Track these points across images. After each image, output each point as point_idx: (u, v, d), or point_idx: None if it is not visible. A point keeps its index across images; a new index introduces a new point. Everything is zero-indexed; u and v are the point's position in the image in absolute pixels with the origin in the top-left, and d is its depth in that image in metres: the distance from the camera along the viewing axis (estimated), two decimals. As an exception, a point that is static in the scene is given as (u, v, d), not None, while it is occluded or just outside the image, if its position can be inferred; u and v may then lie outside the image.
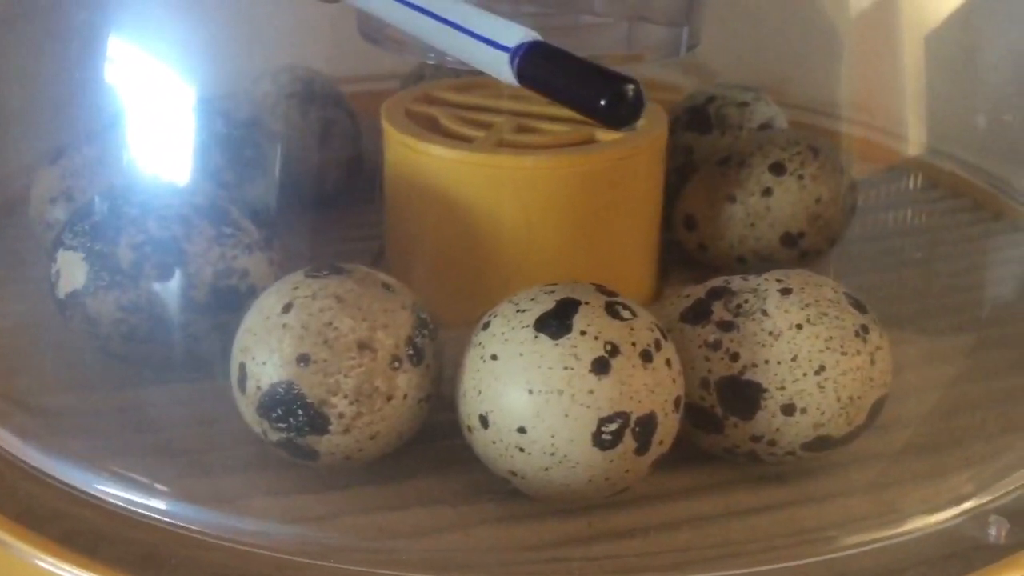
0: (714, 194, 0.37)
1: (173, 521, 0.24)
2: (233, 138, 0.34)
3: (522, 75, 0.23)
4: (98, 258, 0.29)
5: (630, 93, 0.21)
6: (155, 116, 0.33)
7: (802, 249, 0.36)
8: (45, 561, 0.23)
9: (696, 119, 0.41)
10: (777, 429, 0.26)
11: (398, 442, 0.26)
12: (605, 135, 0.34)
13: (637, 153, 0.34)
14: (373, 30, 0.35)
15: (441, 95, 0.38)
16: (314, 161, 0.41)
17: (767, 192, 0.36)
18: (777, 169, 0.36)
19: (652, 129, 0.35)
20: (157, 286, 0.29)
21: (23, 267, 0.35)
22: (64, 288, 0.29)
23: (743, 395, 0.26)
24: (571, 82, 0.22)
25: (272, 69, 0.42)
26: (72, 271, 0.29)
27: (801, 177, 0.36)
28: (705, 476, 0.27)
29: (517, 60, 0.23)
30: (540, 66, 0.23)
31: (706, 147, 0.40)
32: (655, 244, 0.36)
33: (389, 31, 0.34)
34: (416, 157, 0.34)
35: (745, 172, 0.36)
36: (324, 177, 0.41)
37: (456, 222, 0.33)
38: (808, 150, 0.36)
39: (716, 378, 0.26)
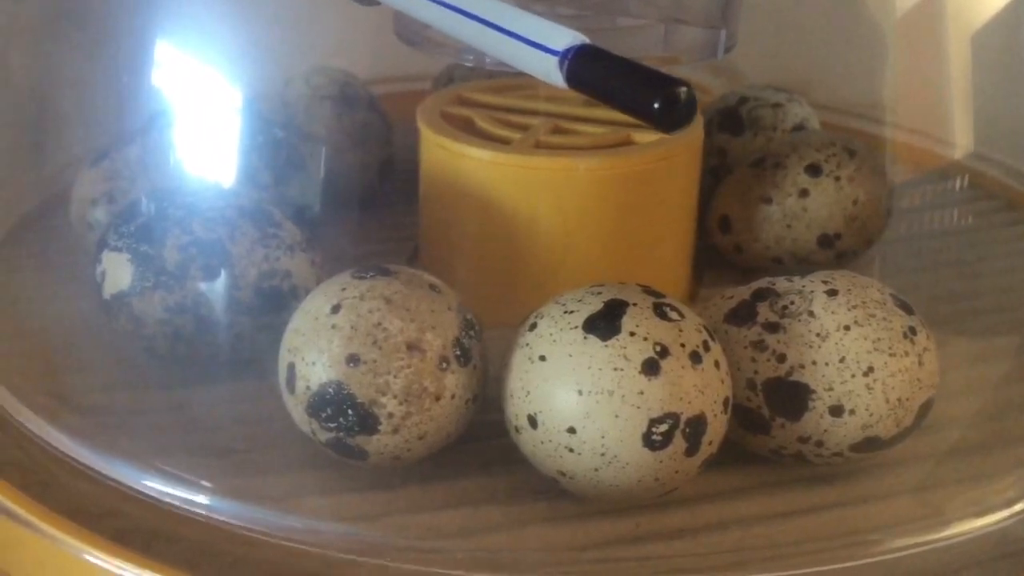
0: (749, 195, 0.37)
1: (225, 519, 0.24)
2: (271, 140, 0.35)
3: (572, 78, 0.23)
4: (144, 259, 0.29)
5: (683, 96, 0.21)
6: (196, 118, 0.33)
7: (839, 250, 0.36)
8: (98, 558, 0.23)
9: (729, 121, 0.41)
10: (825, 430, 0.26)
11: (445, 442, 0.26)
12: (642, 137, 0.34)
13: (675, 155, 0.34)
14: (410, 32, 0.35)
15: (475, 97, 0.38)
16: (347, 163, 0.41)
17: (804, 193, 0.36)
18: (813, 170, 0.36)
19: (689, 131, 0.35)
20: (203, 287, 0.29)
21: (65, 268, 0.35)
22: (109, 289, 0.29)
23: (790, 396, 0.26)
24: (623, 85, 0.22)
25: (304, 71, 0.42)
26: (118, 272, 0.29)
27: (838, 179, 0.36)
28: (751, 477, 0.27)
29: (567, 63, 0.23)
30: (590, 69, 0.23)
31: (739, 149, 0.40)
32: (690, 246, 0.36)
33: (427, 33, 0.34)
34: (453, 159, 0.34)
35: (781, 173, 0.36)
36: (357, 179, 0.41)
37: (493, 224, 0.33)
38: (844, 151, 0.36)
39: (763, 379, 0.26)
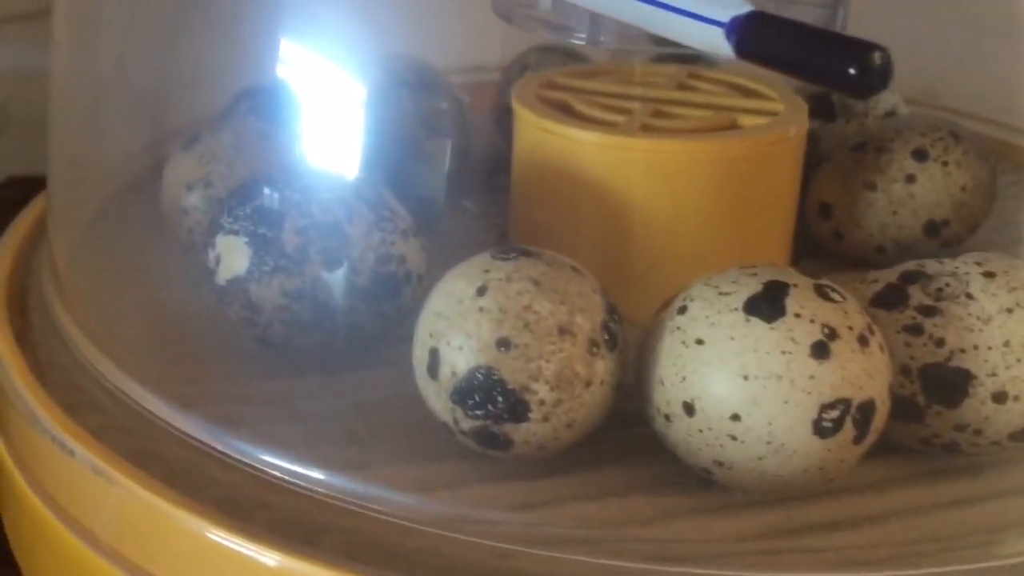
0: (851, 181, 0.36)
1: (381, 509, 0.23)
2: (369, 122, 0.33)
3: (742, 48, 0.22)
4: (262, 243, 0.28)
5: (879, 60, 0.20)
6: (298, 100, 0.32)
7: (945, 238, 0.35)
8: (252, 550, 0.22)
9: (820, 107, 0.40)
10: (986, 418, 0.25)
11: (590, 431, 0.25)
12: (749, 121, 0.34)
13: (784, 139, 0.33)
14: (510, 9, 0.34)
15: (566, 82, 0.37)
16: (418, 152, 0.40)
17: (910, 179, 0.35)
18: (920, 155, 0.35)
19: (795, 116, 0.34)
20: (323, 272, 0.28)
21: (154, 255, 0.34)
22: (225, 274, 0.28)
23: (950, 382, 0.25)
24: (806, 51, 0.21)
25: (379, 57, 0.41)
26: (234, 256, 0.28)
27: (946, 164, 0.35)
28: (898, 468, 0.26)
29: (735, 32, 0.22)
30: (764, 37, 0.22)
31: (832, 135, 0.39)
32: (791, 233, 0.35)
33: (531, 11, 0.33)
34: (557, 141, 0.33)
35: (885, 158, 0.35)
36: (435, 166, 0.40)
37: (599, 208, 0.32)
38: (950, 136, 0.35)
39: (919, 365, 0.25)
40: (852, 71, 0.20)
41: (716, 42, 0.23)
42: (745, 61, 0.22)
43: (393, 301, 0.29)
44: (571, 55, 0.45)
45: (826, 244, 0.37)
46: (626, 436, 0.27)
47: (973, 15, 0.44)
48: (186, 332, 0.30)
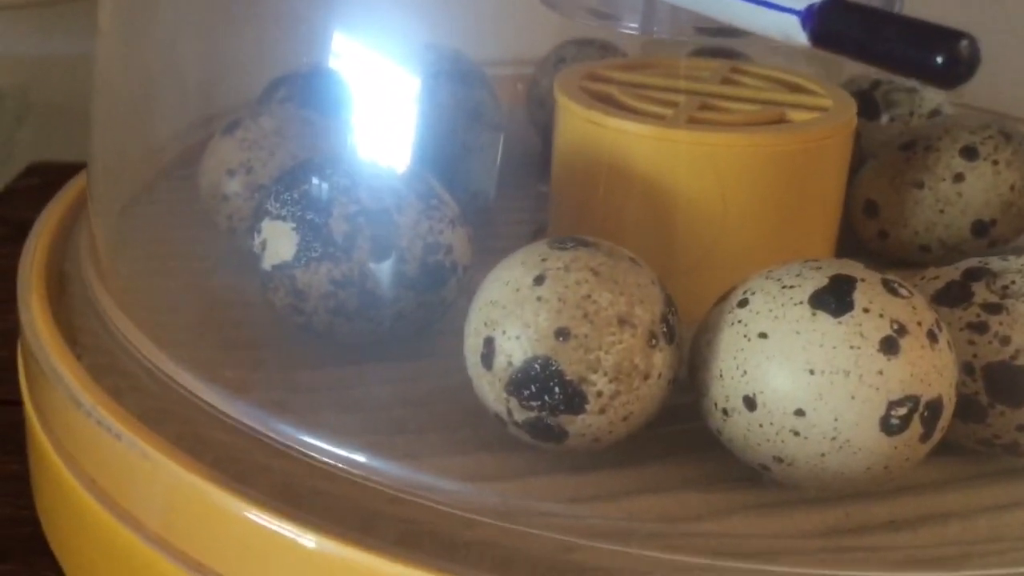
0: (899, 179, 0.35)
1: (436, 498, 0.22)
2: (418, 111, 0.33)
3: (818, 36, 0.22)
4: (310, 228, 0.27)
5: (966, 49, 0.20)
6: (343, 88, 0.31)
7: (992, 238, 0.35)
8: (309, 540, 0.22)
9: (864, 104, 0.39)
10: (1050, 418, 0.25)
11: (645, 424, 0.25)
12: (797, 115, 0.33)
13: (833, 134, 0.33)
14: (557, -3, 0.34)
15: (609, 74, 0.36)
16: (462, 143, 0.40)
17: (958, 178, 0.34)
18: (969, 153, 0.34)
19: (845, 111, 0.33)
20: (371, 260, 0.27)
21: (193, 242, 0.33)
22: (270, 259, 0.28)
23: (1014, 382, 0.25)
24: (888, 40, 0.20)
25: (418, 47, 0.41)
26: (280, 241, 0.27)
27: (995, 162, 0.34)
28: (957, 468, 0.26)
29: (811, 20, 0.22)
30: (842, 24, 0.21)
31: (876, 133, 0.39)
32: (836, 231, 0.35)
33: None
34: (604, 133, 0.32)
35: (933, 156, 0.35)
36: (475, 159, 0.40)
37: (649, 200, 0.32)
38: (1000, 134, 0.35)
39: (983, 363, 0.25)
40: (939, 60, 0.19)
41: (790, 30, 0.22)
42: (821, 49, 0.22)
43: (439, 292, 0.28)
44: (606, 48, 0.45)
45: (869, 243, 0.36)
46: (678, 431, 0.26)
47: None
48: (230, 318, 0.30)
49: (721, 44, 0.43)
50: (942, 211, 0.35)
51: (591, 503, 0.24)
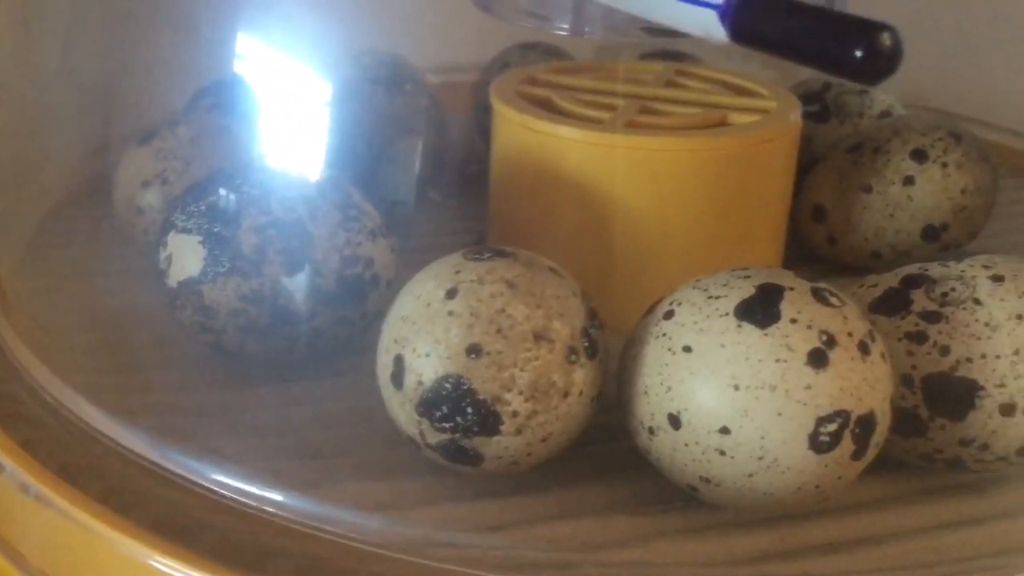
0: (846, 183, 0.34)
1: (339, 532, 0.21)
2: (336, 119, 0.32)
3: (737, 31, 0.20)
4: (217, 241, 0.26)
5: (887, 41, 0.18)
6: (261, 96, 0.30)
7: (944, 243, 0.34)
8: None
9: (812, 106, 0.38)
10: (993, 431, 0.23)
11: (566, 445, 0.23)
12: (739, 118, 0.32)
13: (776, 137, 0.31)
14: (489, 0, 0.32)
15: (548, 78, 0.35)
16: (398, 149, 0.38)
17: (908, 181, 0.33)
18: (919, 156, 0.33)
19: (788, 114, 0.32)
20: (283, 274, 0.26)
21: (106, 259, 0.32)
22: (176, 275, 0.26)
23: (955, 394, 0.23)
24: (807, 34, 0.19)
25: (351, 52, 0.40)
26: (186, 256, 0.26)
27: (945, 165, 0.33)
28: (897, 485, 0.25)
29: (729, 15, 0.21)
30: (762, 19, 0.20)
31: (826, 136, 0.37)
32: (783, 236, 0.34)
33: (512, 1, 0.32)
34: (539, 139, 0.31)
35: (882, 159, 0.34)
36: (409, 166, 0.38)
37: (586, 207, 0.30)
38: (950, 136, 0.34)
39: (922, 375, 0.24)
40: (858, 53, 0.18)
41: (710, 26, 0.21)
42: (740, 46, 0.21)
43: (359, 306, 0.27)
44: (554, 52, 0.43)
45: (819, 249, 0.35)
46: (606, 451, 0.25)
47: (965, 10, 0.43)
48: (135, 339, 0.28)
49: (672, 46, 0.42)
50: (892, 215, 0.33)
51: (511, 530, 0.23)
